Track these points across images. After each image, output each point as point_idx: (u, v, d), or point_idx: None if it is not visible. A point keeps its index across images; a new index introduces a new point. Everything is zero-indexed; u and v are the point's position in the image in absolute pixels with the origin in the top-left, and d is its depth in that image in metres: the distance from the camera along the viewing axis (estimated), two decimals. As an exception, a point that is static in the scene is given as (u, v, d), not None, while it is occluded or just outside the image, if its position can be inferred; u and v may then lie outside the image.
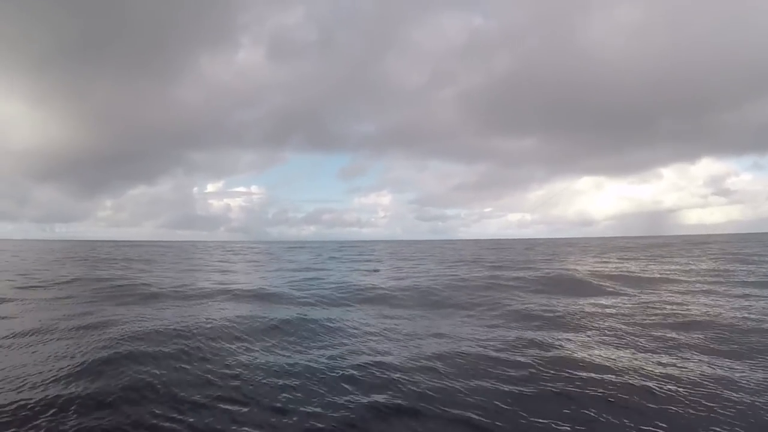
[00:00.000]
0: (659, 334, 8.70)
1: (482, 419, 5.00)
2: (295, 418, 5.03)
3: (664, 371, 6.45)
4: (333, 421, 4.97)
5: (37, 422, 4.71)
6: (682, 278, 18.42)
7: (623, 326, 9.48)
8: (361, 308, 12.33)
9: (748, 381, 6.05)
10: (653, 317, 10.33)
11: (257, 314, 10.40)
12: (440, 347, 7.73)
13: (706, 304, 11.88)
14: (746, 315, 10.30)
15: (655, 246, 58.55)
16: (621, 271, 21.30)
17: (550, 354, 7.31)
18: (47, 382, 5.86)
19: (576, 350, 7.57)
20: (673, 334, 8.63)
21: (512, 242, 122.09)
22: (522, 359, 7.03)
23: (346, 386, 5.94)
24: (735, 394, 5.59)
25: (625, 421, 4.97)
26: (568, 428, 4.81)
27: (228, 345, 7.82)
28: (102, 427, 4.71)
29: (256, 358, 7.14)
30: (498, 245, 79.77)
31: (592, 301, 13.15)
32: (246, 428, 4.78)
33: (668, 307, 11.61)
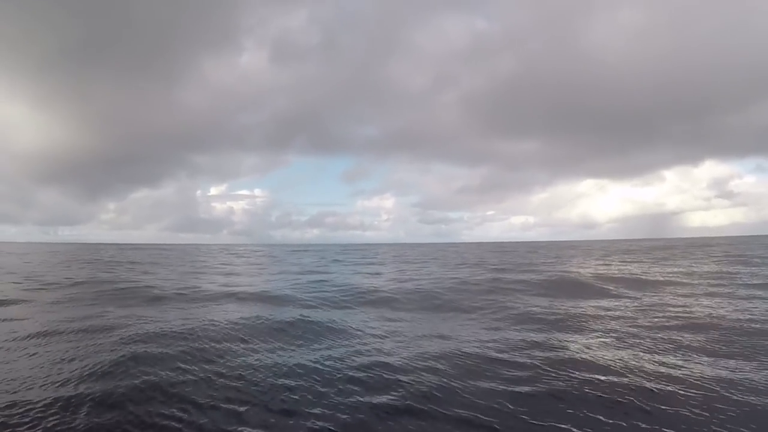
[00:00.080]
0: (663, 335, 8.72)
1: (486, 419, 5.03)
2: (299, 419, 5.07)
3: (667, 372, 6.47)
4: (338, 421, 5.01)
5: (48, 420, 4.77)
6: (685, 281, 18.41)
7: (627, 328, 9.51)
8: (365, 311, 12.38)
9: (752, 382, 6.08)
10: (657, 319, 10.35)
11: (261, 316, 10.45)
12: (443, 348, 7.77)
13: (709, 306, 11.88)
14: (750, 317, 10.30)
15: (658, 249, 58.36)
16: (624, 274, 21.27)
17: (554, 355, 7.35)
18: (57, 382, 5.94)
19: (579, 351, 7.59)
20: (677, 336, 8.64)
21: (515, 245, 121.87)
22: (526, 360, 7.07)
23: (350, 387, 5.98)
24: (739, 395, 5.61)
25: (629, 421, 4.99)
26: (572, 428, 4.84)
27: (233, 346, 7.88)
28: (110, 426, 4.77)
29: (261, 359, 7.19)
30: (501, 248, 79.65)
31: (596, 303, 13.16)
32: (251, 428, 4.82)
33: (672, 309, 11.62)
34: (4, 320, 10.30)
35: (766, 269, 22.00)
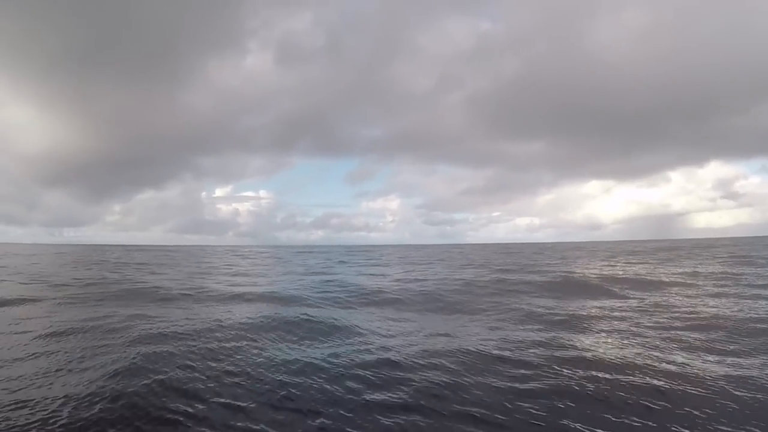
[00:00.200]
0: (669, 335, 8.75)
1: (493, 416, 5.10)
2: (306, 416, 5.16)
3: (674, 370, 6.52)
4: (344, 418, 5.10)
5: (61, 418, 4.89)
6: (690, 281, 18.37)
7: (633, 327, 9.54)
8: (370, 311, 12.47)
9: (758, 379, 6.13)
10: (663, 319, 10.37)
11: (268, 316, 10.56)
12: (449, 347, 7.83)
13: (715, 307, 11.87)
14: (755, 316, 10.32)
15: (663, 249, 58.08)
16: (630, 275, 21.23)
17: (560, 354, 7.39)
18: (69, 380, 6.10)
19: (586, 350, 7.63)
20: (683, 335, 8.67)
21: (521, 246, 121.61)
22: (533, 359, 7.13)
23: (356, 384, 6.06)
24: (747, 393, 5.67)
25: (636, 419, 5.03)
26: (579, 426, 4.90)
27: (240, 345, 7.97)
28: (121, 422, 4.87)
29: (268, 357, 7.28)
30: (507, 249, 79.49)
31: (601, 303, 13.19)
32: (258, 425, 4.91)
33: (677, 309, 11.63)
34: (15, 320, 10.46)
35: (772, 270, 21.92)
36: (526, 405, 5.39)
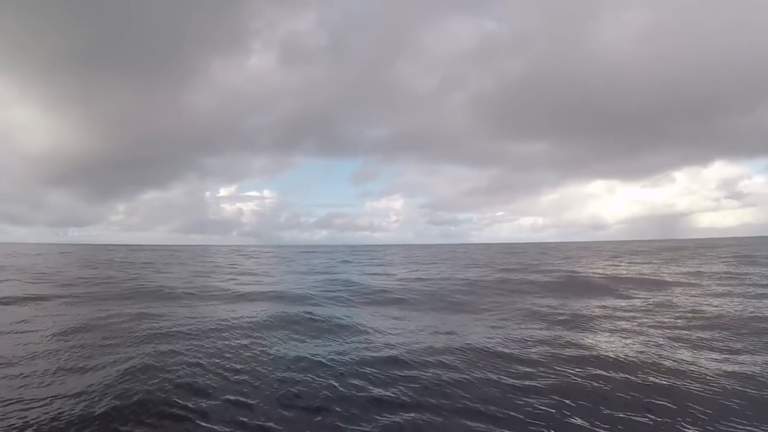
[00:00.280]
0: (673, 333, 8.78)
1: (497, 412, 5.15)
2: (310, 412, 5.23)
3: (679, 368, 6.57)
4: (349, 415, 5.17)
5: (74, 412, 4.99)
6: (694, 281, 18.34)
7: (636, 326, 9.57)
8: (374, 310, 12.53)
9: (762, 377, 6.18)
10: (667, 318, 10.39)
11: (273, 314, 10.66)
12: (453, 345, 7.89)
13: (719, 306, 11.87)
14: (760, 315, 10.34)
15: (667, 249, 57.84)
16: (634, 275, 21.22)
17: (565, 352, 7.44)
18: (81, 375, 6.22)
19: (591, 348, 7.67)
20: (687, 334, 8.70)
21: (525, 246, 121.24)
22: (537, 357, 7.19)
23: (360, 381, 6.13)
24: (751, 391, 5.71)
25: (641, 415, 5.08)
26: (581, 423, 4.94)
27: (246, 343, 8.05)
28: (132, 416, 4.96)
29: (273, 355, 7.35)
30: (511, 249, 79.32)
31: (606, 303, 13.20)
32: (263, 421, 4.98)
33: (682, 308, 11.64)
34: (24, 318, 10.59)
35: (776, 269, 21.84)
36: (531, 401, 5.44)
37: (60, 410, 5.03)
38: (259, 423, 4.92)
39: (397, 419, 5.04)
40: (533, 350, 7.63)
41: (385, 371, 6.56)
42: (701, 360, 7.03)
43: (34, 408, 5.12)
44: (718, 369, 6.52)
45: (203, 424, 4.88)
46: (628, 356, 7.20)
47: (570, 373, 6.44)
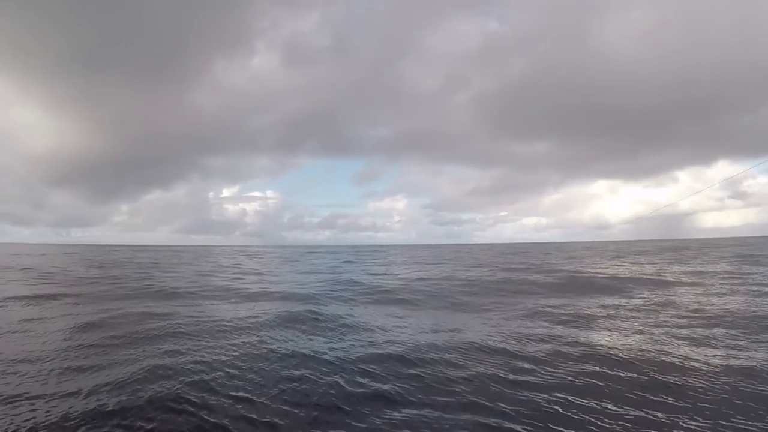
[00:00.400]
0: (676, 331, 8.83)
1: (497, 406, 5.21)
2: (313, 409, 5.30)
3: (684, 365, 6.64)
4: (352, 412, 5.25)
5: (86, 408, 5.09)
6: (698, 280, 18.35)
7: (642, 324, 9.63)
8: (378, 308, 12.62)
9: (764, 372, 6.25)
10: (670, 316, 10.43)
11: (277, 313, 10.78)
12: (455, 342, 7.97)
13: (722, 304, 11.90)
14: (763, 313, 10.39)
15: (671, 249, 57.73)
16: (637, 274, 21.24)
17: (568, 349, 7.52)
18: (92, 372, 6.33)
19: (591, 346, 7.73)
20: (690, 332, 8.75)
21: (528, 246, 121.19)
22: (538, 354, 7.26)
23: (364, 379, 6.21)
24: (754, 387, 5.78)
25: (646, 412, 5.13)
26: (584, 418, 5.00)
27: (251, 341, 8.13)
28: (135, 413, 5.06)
29: (278, 353, 7.43)
30: (514, 249, 79.29)
31: (608, 301, 13.22)
32: (267, 417, 5.05)
33: (685, 306, 11.69)
34: (34, 318, 10.72)
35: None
36: (534, 397, 5.51)
37: (72, 407, 5.12)
38: (267, 420, 4.98)
39: (403, 416, 5.11)
40: (536, 348, 7.69)
41: (390, 369, 6.64)
42: (704, 357, 7.07)
43: (46, 404, 5.22)
44: (721, 366, 6.58)
45: (212, 420, 4.95)
46: (630, 354, 7.25)
47: (573, 370, 6.50)
